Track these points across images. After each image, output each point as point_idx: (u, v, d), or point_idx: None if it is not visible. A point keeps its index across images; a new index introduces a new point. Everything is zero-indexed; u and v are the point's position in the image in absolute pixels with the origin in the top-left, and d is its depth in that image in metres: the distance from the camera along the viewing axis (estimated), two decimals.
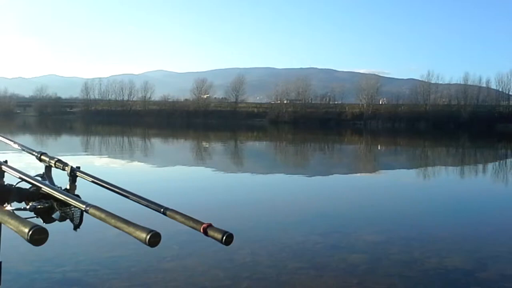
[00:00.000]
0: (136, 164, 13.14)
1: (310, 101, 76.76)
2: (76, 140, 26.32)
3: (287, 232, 5.07)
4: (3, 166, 2.49)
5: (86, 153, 16.91)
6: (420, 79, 76.08)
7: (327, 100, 79.32)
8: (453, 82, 76.42)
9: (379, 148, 27.67)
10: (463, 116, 61.73)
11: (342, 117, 66.67)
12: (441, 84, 73.72)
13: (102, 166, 11.80)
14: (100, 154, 16.71)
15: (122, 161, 13.60)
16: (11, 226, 1.44)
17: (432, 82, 71.65)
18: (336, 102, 77.22)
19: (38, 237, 1.41)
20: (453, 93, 69.82)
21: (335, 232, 5.27)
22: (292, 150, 23.48)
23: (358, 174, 13.02)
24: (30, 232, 1.38)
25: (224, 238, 2.11)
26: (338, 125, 58.31)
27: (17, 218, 1.45)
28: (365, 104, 69.59)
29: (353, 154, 22.48)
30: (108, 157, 15.17)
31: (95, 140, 27.26)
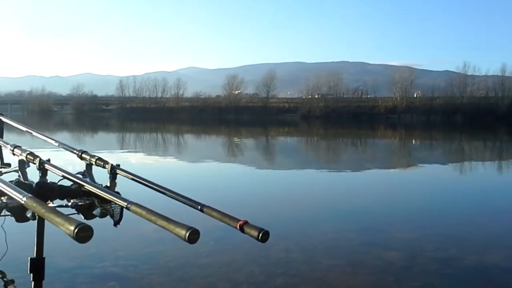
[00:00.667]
0: (170, 160, 13.36)
1: (342, 95, 75.84)
2: (112, 137, 26.96)
3: (320, 228, 5.06)
4: (46, 165, 2.59)
5: (122, 149, 17.31)
6: (455, 71, 73.85)
7: (359, 94, 78.23)
8: (490, 73, 73.84)
9: (413, 142, 27.10)
10: (501, 109, 59.58)
11: (375, 111, 65.53)
12: (477, 75, 71.53)
13: (137, 163, 12.06)
14: (136, 150, 17.07)
15: (157, 158, 13.86)
16: (57, 224, 1.51)
17: (468, 74, 69.56)
18: (368, 96, 76.07)
19: (83, 234, 1.48)
20: (490, 85, 67.50)
21: (369, 228, 5.21)
22: (323, 145, 23.32)
23: (392, 170, 12.82)
24: (76, 230, 1.44)
25: (261, 235, 2.14)
26: (370, 119, 57.39)
27: (63, 216, 1.52)
28: (398, 98, 68.25)
29: (387, 148, 22.11)
30: (143, 153, 15.49)
31: (130, 137, 27.85)
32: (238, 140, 26.04)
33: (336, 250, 4.20)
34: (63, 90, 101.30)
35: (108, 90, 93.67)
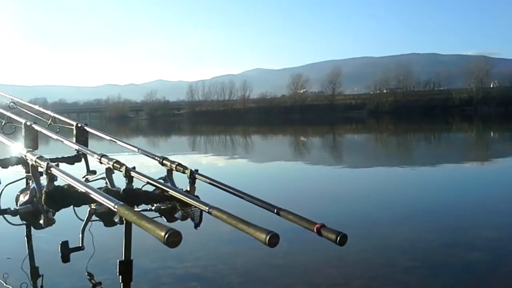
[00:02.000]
0: (239, 161, 13.60)
1: (412, 88, 73.03)
2: (183, 140, 27.93)
3: (397, 228, 4.93)
4: (132, 172, 2.77)
5: (193, 152, 17.88)
6: None
7: (431, 86, 74.74)
8: None
9: (492, 135, 25.49)
10: None
11: (448, 104, 62.31)
12: None
13: (208, 164, 12.39)
14: (206, 152, 17.56)
15: (227, 159, 14.16)
16: (148, 230, 1.62)
17: None
18: (441, 88, 72.48)
19: (173, 239, 1.58)
20: None
21: (449, 228, 4.99)
22: (394, 142, 22.59)
23: (470, 165, 12.14)
24: (167, 236, 1.55)
25: (339, 238, 2.16)
26: (444, 113, 54.65)
27: (154, 222, 1.63)
28: (474, 89, 64.45)
29: (463, 142, 20.98)
30: (214, 155, 15.90)
31: (200, 139, 28.69)
32: (305, 139, 25.94)
33: (415, 251, 4.08)
34: (137, 97, 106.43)
35: (179, 95, 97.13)
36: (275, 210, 2.42)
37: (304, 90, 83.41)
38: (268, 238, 1.76)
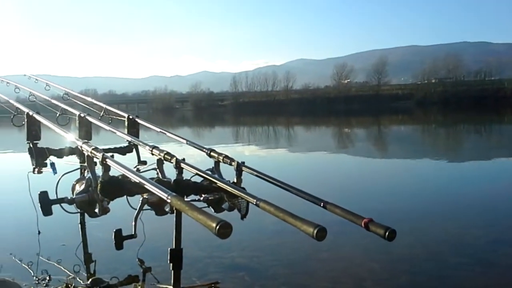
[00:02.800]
0: (281, 152, 13.60)
1: (462, 78, 70.24)
2: (227, 131, 28.22)
3: (444, 224, 4.79)
4: (182, 164, 2.84)
5: (236, 143, 18.04)
6: None
7: (482, 76, 71.60)
8: None
9: None
10: None
11: (500, 94, 59.49)
12: None
13: (251, 155, 12.48)
14: (249, 143, 17.67)
15: (269, 150, 14.20)
16: (199, 221, 1.67)
17: None
18: (492, 78, 69.31)
19: (223, 231, 1.63)
20: None
21: (498, 224, 4.80)
22: (442, 133, 21.86)
23: None
24: (218, 227, 1.59)
25: (387, 233, 2.14)
26: (496, 103, 52.21)
27: (205, 213, 1.68)
28: None
29: None
30: (256, 146, 15.97)
31: (244, 130, 28.89)
32: (349, 130, 25.58)
33: (462, 248, 3.96)
34: (183, 89, 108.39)
35: (222, 87, 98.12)
36: (322, 203, 2.43)
37: (349, 80, 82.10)
38: (315, 231, 1.78)
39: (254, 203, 2.16)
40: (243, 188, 2.77)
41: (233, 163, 2.96)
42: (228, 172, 3.04)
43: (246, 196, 2.31)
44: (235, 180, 2.94)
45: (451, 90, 64.14)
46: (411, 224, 4.66)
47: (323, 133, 24.44)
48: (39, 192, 3.24)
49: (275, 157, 12.36)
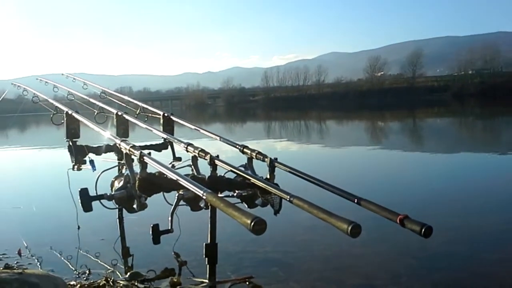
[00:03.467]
0: (313, 147, 13.53)
1: (500, 69, 67.74)
2: (259, 126, 28.28)
3: (485, 219, 4.66)
4: (216, 160, 2.89)
5: (268, 138, 18.06)
6: None
7: None
8: None
9: None
10: None
11: None
12: None
13: (282, 150, 12.48)
14: (281, 138, 17.66)
15: (301, 144, 14.16)
16: (234, 217, 1.70)
17: None
18: None
19: (258, 227, 1.65)
20: None
21: None
22: (480, 126, 21.19)
23: None
24: (252, 223, 1.62)
25: (423, 230, 2.12)
26: None
27: (240, 210, 1.71)
28: None
29: None
30: (288, 141, 15.95)
31: (275, 125, 28.88)
32: (383, 124, 25.16)
33: (505, 245, 3.85)
34: (215, 85, 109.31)
35: (254, 82, 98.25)
36: (356, 199, 2.43)
37: (382, 73, 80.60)
38: (350, 228, 1.78)
39: (288, 199, 2.18)
40: (276, 184, 2.79)
41: (266, 159, 2.99)
42: (261, 168, 3.07)
43: (279, 192, 2.33)
44: (268, 176, 2.97)
45: (489, 81, 61.95)
46: (448, 219, 4.56)
47: (356, 127, 24.14)
48: (79, 189, 3.36)
49: (307, 153, 12.32)
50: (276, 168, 3.01)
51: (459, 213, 4.94)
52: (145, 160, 2.48)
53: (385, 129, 21.47)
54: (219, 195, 2.65)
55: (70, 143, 3.78)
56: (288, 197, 2.15)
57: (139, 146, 2.91)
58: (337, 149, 12.94)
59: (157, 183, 2.60)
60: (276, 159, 3.00)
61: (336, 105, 56.27)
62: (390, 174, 7.92)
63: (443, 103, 46.88)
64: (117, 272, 3.30)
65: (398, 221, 2.12)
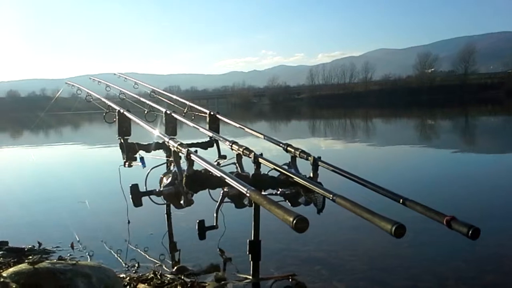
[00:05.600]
0: (359, 145, 13.32)
1: None
2: (303, 124, 28.15)
3: None
4: (260, 159, 2.94)
5: (313, 136, 17.96)
6: None
7: None
8: None
9: None
10: None
11: None
12: None
13: (327, 148, 12.37)
14: (326, 136, 17.51)
15: (347, 144, 13.98)
16: (277, 215, 1.73)
17: None
18: None
19: (300, 225, 1.68)
20: None
21: None
22: None
23: None
24: (295, 221, 1.65)
25: (471, 232, 2.07)
26: None
27: (283, 208, 1.74)
28: None
29: None
30: (333, 139, 15.79)
31: (320, 123, 28.64)
32: (433, 122, 24.38)
33: None
34: (260, 83, 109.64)
35: (299, 80, 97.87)
36: (401, 200, 2.39)
37: (433, 69, 78.07)
38: (394, 228, 1.77)
39: (331, 198, 2.18)
40: (320, 183, 2.80)
41: (309, 158, 3.00)
42: (305, 166, 3.08)
43: (322, 191, 2.34)
44: (311, 175, 2.98)
45: None
46: (498, 222, 4.39)
47: (404, 126, 23.54)
48: (130, 185, 3.51)
49: (352, 151, 12.16)
50: (319, 167, 3.01)
51: (510, 215, 4.75)
52: (192, 158, 2.57)
53: (435, 128, 20.81)
54: (263, 192, 2.70)
55: (122, 141, 3.93)
56: (331, 196, 2.16)
57: (186, 144, 3.00)
58: (383, 147, 12.69)
59: (203, 180, 2.68)
60: (319, 157, 3.01)
61: (384, 102, 55.03)
62: (438, 174, 7.69)
63: (497, 101, 44.81)
64: (165, 267, 3.41)
65: (444, 222, 2.08)
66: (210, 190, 3.02)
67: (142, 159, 3.87)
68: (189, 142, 3.85)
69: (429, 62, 78.27)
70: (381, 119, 29.23)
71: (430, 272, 3.13)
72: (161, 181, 3.42)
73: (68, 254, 3.76)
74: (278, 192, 3.06)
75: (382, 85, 75.72)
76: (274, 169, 2.84)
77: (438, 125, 22.58)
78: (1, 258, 3.56)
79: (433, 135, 16.94)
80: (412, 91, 66.50)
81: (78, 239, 4.13)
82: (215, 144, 3.97)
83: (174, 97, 4.82)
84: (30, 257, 3.55)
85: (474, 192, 6.05)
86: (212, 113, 4.10)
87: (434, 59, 79.77)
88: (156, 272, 3.16)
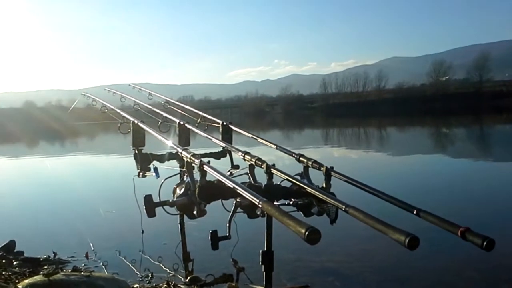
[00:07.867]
0: (372, 155, 13.25)
1: None
2: (316, 133, 28.09)
3: None
4: (272, 169, 2.94)
5: (325, 145, 17.90)
6: None
7: None
8: None
9: None
10: None
11: None
12: None
13: (340, 157, 12.32)
14: (339, 146, 17.44)
15: (360, 153, 13.90)
16: (289, 226, 1.74)
17: None
18: None
19: (313, 237, 1.68)
20: None
21: None
22: None
23: None
24: (307, 233, 1.65)
25: (485, 243, 2.05)
26: None
27: (295, 219, 1.74)
28: None
29: None
30: (346, 148, 15.72)
31: (333, 132, 28.56)
32: (447, 130, 24.13)
33: None
34: (273, 92, 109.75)
35: (312, 89, 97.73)
36: (415, 211, 2.37)
37: (447, 77, 77.43)
38: (407, 240, 1.75)
39: (343, 209, 2.18)
40: (332, 193, 2.79)
41: (322, 168, 2.99)
42: (317, 176, 3.08)
43: (335, 202, 2.34)
44: (324, 185, 2.97)
45: None
46: None
47: (418, 134, 23.34)
48: (144, 195, 3.54)
49: (365, 161, 12.09)
50: (332, 177, 3.00)
51: None
52: (204, 169, 2.59)
53: (450, 136, 20.60)
54: (275, 203, 2.70)
55: (136, 151, 3.97)
56: (344, 206, 2.15)
57: (199, 154, 3.02)
58: (397, 157, 12.59)
59: (215, 191, 2.69)
60: (332, 167, 3.00)
61: (398, 111, 54.66)
62: (453, 184, 7.60)
63: None
64: (178, 276, 3.42)
65: (459, 233, 2.06)
66: (223, 201, 3.03)
67: (156, 169, 3.90)
68: (202, 152, 3.88)
69: (443, 70, 77.72)
70: (394, 128, 29.03)
71: (443, 283, 3.10)
72: (174, 191, 3.44)
73: (83, 264, 3.79)
74: (291, 203, 3.05)
75: (395, 93, 75.25)
76: (287, 179, 2.84)
77: (453, 133, 22.34)
78: (17, 268, 3.61)
79: (448, 144, 16.76)
80: (426, 99, 65.98)
81: (93, 249, 4.17)
82: (228, 154, 3.99)
83: (187, 107, 4.85)
84: (46, 267, 3.59)
85: (489, 202, 5.96)
86: (225, 123, 4.12)
87: (448, 67, 79.17)
88: (170, 283, 3.18)
